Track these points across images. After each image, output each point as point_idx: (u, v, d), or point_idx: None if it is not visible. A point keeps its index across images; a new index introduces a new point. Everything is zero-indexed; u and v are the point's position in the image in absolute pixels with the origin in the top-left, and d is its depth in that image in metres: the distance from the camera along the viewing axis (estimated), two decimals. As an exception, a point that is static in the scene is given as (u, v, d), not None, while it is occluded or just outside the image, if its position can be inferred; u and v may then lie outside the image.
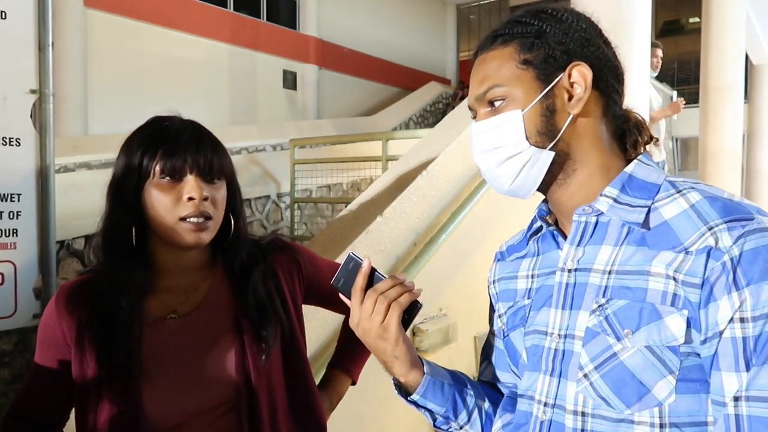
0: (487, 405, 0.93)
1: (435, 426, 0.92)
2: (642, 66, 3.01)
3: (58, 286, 1.09)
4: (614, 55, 0.83)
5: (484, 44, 0.83)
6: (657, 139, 0.85)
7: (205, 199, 1.00)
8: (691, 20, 14.12)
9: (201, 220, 1.00)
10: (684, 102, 4.60)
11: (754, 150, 8.96)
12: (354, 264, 0.89)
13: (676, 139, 9.70)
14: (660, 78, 4.88)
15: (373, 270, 0.88)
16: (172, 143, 1.00)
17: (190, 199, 0.99)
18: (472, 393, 0.92)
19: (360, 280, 0.87)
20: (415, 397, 0.87)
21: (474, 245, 2.77)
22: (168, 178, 1.00)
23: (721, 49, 6.00)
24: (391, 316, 0.83)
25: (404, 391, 0.89)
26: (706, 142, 6.09)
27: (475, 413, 0.91)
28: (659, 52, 4.52)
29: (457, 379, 0.92)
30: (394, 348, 0.84)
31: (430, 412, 0.89)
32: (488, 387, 0.97)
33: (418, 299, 0.86)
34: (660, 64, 4.59)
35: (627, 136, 0.83)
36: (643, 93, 3.06)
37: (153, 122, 1.06)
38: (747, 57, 7.38)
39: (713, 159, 6.04)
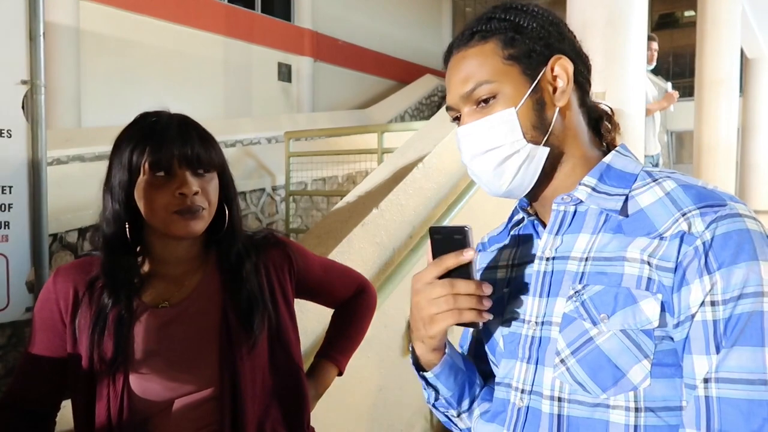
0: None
1: (433, 405, 0.91)
2: (638, 59, 3.00)
3: (55, 269, 1.11)
4: (581, 47, 0.84)
5: (459, 42, 0.82)
6: (618, 126, 0.86)
7: (196, 193, 1.02)
8: (687, 14, 14.13)
9: (192, 212, 1.02)
10: (678, 94, 4.61)
11: (748, 144, 8.99)
12: (461, 240, 0.77)
13: (671, 133, 9.72)
14: (655, 71, 4.87)
15: (469, 263, 0.77)
16: (159, 139, 1.02)
17: (182, 194, 1.01)
18: (479, 382, 0.92)
19: (452, 261, 0.76)
20: (428, 374, 0.86)
21: (470, 238, 2.76)
22: (158, 173, 1.01)
23: (716, 42, 6.01)
24: (444, 320, 0.76)
25: (418, 363, 0.87)
26: (700, 135, 6.11)
27: (476, 404, 0.91)
28: (654, 45, 4.52)
29: (469, 368, 0.92)
30: (427, 338, 0.80)
31: (436, 392, 0.88)
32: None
33: (481, 323, 0.78)
34: (655, 57, 4.59)
35: (600, 123, 0.84)
36: (639, 86, 3.05)
37: (140, 119, 1.07)
38: (742, 51, 7.39)
39: (708, 152, 6.05)
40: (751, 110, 9.01)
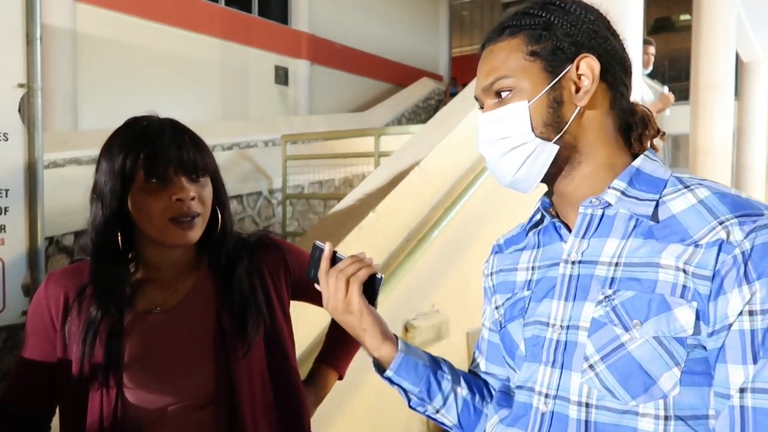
0: (465, 392, 0.93)
1: (410, 407, 0.93)
2: (634, 62, 3.01)
3: (47, 274, 1.10)
4: (622, 47, 0.83)
5: (492, 36, 0.83)
6: (664, 133, 0.86)
7: (192, 198, 1.01)
8: (682, 17, 14.18)
9: (189, 219, 1.01)
10: (674, 96, 4.60)
11: (743, 146, 9.00)
12: (319, 252, 0.95)
13: (667, 136, 9.72)
14: (652, 75, 4.87)
15: (334, 253, 0.94)
16: (154, 145, 1.00)
17: (179, 200, 0.99)
18: (448, 377, 0.92)
19: (324, 265, 0.92)
20: (388, 373, 0.90)
21: (467, 241, 2.77)
22: (154, 181, 0.99)
23: (712, 46, 6.02)
24: (352, 290, 0.89)
25: (380, 367, 0.92)
26: (696, 138, 6.12)
27: (451, 398, 0.91)
28: (651, 49, 4.52)
29: (434, 362, 0.93)
30: (360, 320, 0.90)
31: (405, 391, 0.90)
32: (472, 375, 0.98)
33: (378, 273, 0.92)
34: (651, 62, 4.59)
35: (633, 129, 0.83)
36: (635, 90, 3.06)
37: (131, 124, 1.05)
38: (737, 54, 7.42)
39: (703, 155, 6.06)
40: (746, 113, 9.04)
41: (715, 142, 6.04)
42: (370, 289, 0.91)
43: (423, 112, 11.30)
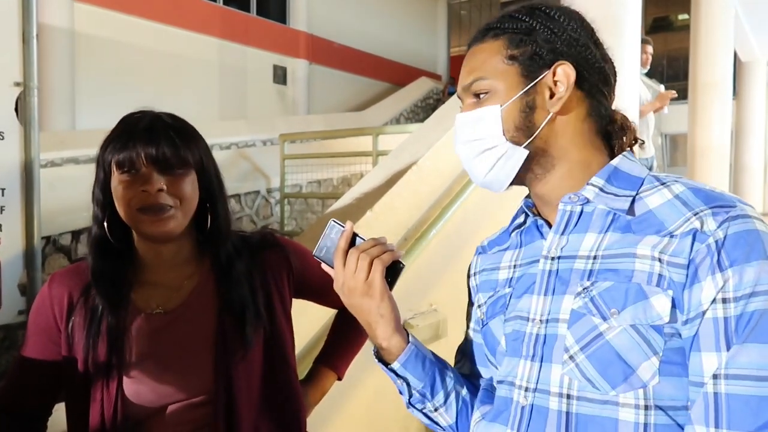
0: (465, 392, 0.93)
1: (410, 403, 0.91)
2: (632, 62, 3.02)
3: (49, 276, 1.10)
4: (604, 56, 0.84)
5: (477, 37, 0.86)
6: (643, 142, 0.87)
7: (161, 190, 1.00)
8: (681, 17, 14.21)
9: (157, 209, 1.00)
10: (674, 93, 4.59)
11: (742, 146, 9.03)
12: (336, 230, 0.90)
13: (665, 135, 9.76)
14: (650, 74, 4.87)
15: (354, 233, 0.89)
16: (124, 137, 1.02)
17: (144, 191, 1.00)
18: (451, 375, 0.92)
19: (342, 243, 0.88)
20: (395, 365, 0.88)
21: (464, 240, 2.77)
22: (124, 171, 1.01)
23: (710, 45, 6.03)
24: (375, 271, 0.85)
25: (384, 359, 0.90)
26: (694, 138, 6.13)
27: (452, 396, 0.91)
28: (649, 49, 4.53)
29: (439, 360, 0.93)
30: (380, 305, 0.86)
31: (408, 385, 0.89)
32: (465, 378, 0.97)
33: (400, 260, 0.89)
34: (650, 61, 4.60)
35: (612, 138, 0.85)
36: (632, 89, 3.07)
37: (123, 119, 1.07)
38: (735, 54, 7.43)
39: (702, 155, 6.07)
40: (744, 113, 9.07)
41: (714, 141, 6.05)
42: (388, 275, 0.87)
43: (421, 112, 11.31)
